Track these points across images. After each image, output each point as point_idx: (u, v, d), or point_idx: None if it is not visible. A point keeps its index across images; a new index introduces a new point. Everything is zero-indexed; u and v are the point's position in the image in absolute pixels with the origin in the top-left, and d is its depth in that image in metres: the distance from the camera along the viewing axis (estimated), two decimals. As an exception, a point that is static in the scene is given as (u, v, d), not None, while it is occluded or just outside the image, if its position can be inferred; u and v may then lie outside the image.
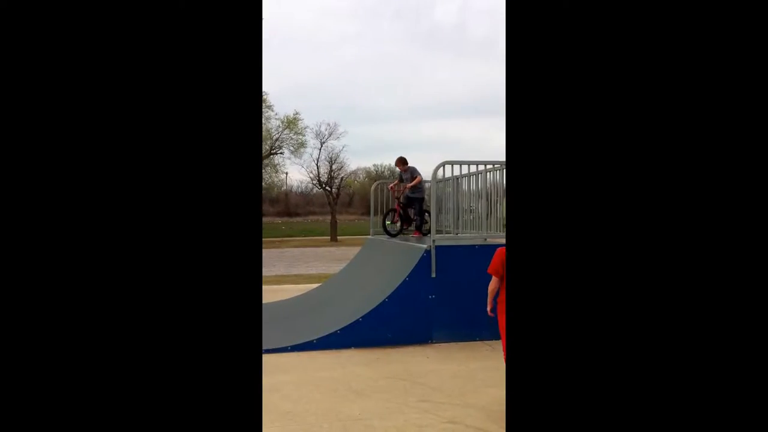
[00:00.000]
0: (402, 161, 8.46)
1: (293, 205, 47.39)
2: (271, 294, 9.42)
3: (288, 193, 46.44)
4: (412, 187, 8.17)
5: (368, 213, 9.97)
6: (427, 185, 8.41)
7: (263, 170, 37.11)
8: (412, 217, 8.32)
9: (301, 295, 8.59)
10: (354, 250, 9.00)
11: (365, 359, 5.33)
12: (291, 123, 35.36)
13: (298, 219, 45.15)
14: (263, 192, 42.15)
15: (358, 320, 5.87)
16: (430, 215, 8.23)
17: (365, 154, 73.44)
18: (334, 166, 35.06)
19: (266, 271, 15.06)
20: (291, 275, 13.88)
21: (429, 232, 8.12)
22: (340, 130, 45.67)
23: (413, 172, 8.31)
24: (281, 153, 36.20)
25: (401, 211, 8.31)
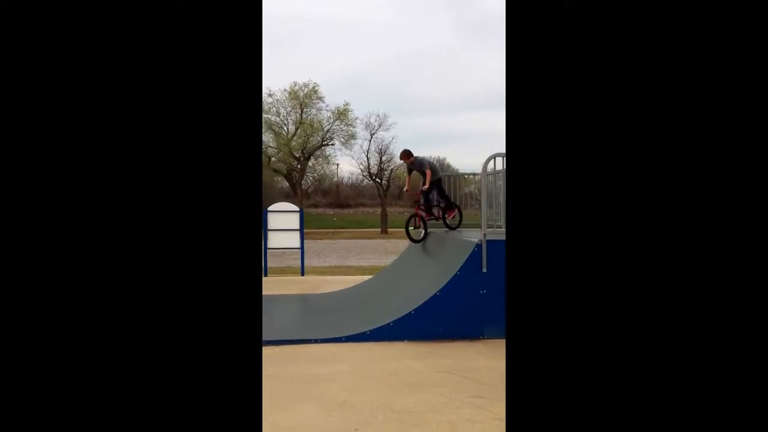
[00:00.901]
0: (407, 154, 7.65)
1: (344, 196, 47.86)
2: (325, 285, 9.68)
3: (339, 185, 46.95)
4: (426, 183, 7.48)
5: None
6: (477, 177, 8.16)
7: (315, 161, 37.69)
8: (437, 215, 7.77)
9: (354, 286, 8.77)
10: (404, 243, 9.08)
11: (417, 353, 5.44)
12: (341, 114, 35.67)
13: (349, 210, 45.61)
14: (315, 183, 42.82)
15: (410, 313, 5.97)
16: (459, 207, 8.05)
17: (415, 145, 73.11)
18: (384, 158, 35.21)
19: (319, 262, 15.40)
20: (343, 266, 14.15)
21: (458, 225, 7.92)
22: (390, 121, 45.64)
23: (421, 164, 7.59)
24: (332, 144, 36.63)
25: (423, 213, 7.67)
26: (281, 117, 37.10)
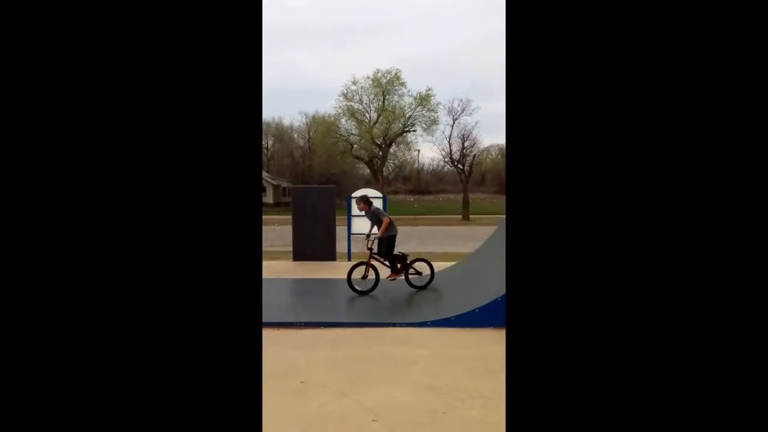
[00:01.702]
0: (364, 200, 7.63)
1: (425, 183, 47.85)
2: (407, 270, 9.69)
3: (420, 171, 46.97)
4: (382, 232, 7.40)
5: (502, 192, 9.75)
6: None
7: (396, 147, 37.89)
8: (400, 269, 7.51)
9: (438, 272, 8.74)
10: (486, 230, 8.93)
11: (503, 339, 5.32)
12: (423, 100, 35.57)
13: (430, 197, 45.54)
14: (396, 170, 43.07)
15: (496, 300, 5.87)
16: (403, 257, 7.61)
17: (499, 130, 71.51)
18: (466, 143, 34.79)
19: (401, 248, 15.49)
20: (425, 252, 14.14)
21: (428, 283, 7.50)
22: (473, 105, 44.94)
23: (376, 213, 7.46)
24: (414, 131, 36.64)
25: (375, 262, 7.52)
26: (364, 104, 37.53)
